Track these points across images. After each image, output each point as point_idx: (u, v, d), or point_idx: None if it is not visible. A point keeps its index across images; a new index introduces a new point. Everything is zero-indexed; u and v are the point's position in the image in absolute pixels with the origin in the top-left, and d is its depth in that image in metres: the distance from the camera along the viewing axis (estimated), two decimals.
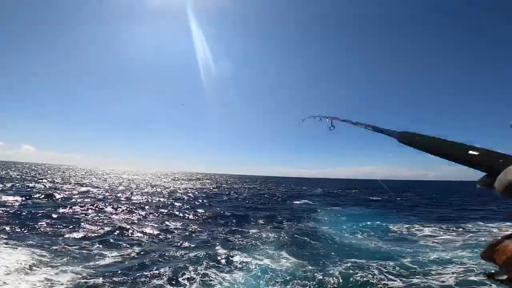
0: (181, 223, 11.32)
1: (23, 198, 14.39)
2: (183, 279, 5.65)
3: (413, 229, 11.62)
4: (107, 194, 20.10)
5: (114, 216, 11.75)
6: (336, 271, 6.29)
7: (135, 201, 16.92)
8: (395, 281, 5.88)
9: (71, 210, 12.21)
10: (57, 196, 16.25)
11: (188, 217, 12.78)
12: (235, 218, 12.98)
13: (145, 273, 5.85)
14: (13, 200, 13.57)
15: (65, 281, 5.19)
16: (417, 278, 6.01)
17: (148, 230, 9.56)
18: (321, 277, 5.97)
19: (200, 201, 19.66)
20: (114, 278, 5.47)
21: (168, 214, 13.09)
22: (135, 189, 26.72)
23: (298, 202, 22.70)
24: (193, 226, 10.82)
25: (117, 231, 9.12)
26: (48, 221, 9.91)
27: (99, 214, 11.85)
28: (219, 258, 7.02)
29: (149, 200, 17.97)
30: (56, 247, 7.07)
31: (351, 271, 6.29)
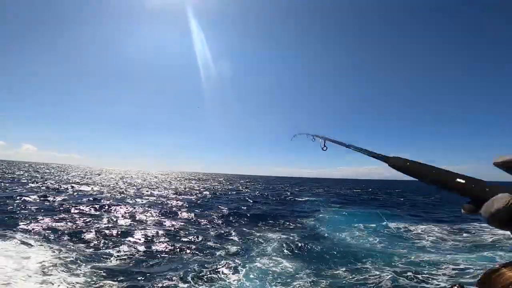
0: (184, 222, 11.46)
1: (32, 199, 14.53)
2: (188, 278, 5.80)
3: (413, 229, 11.76)
4: (109, 194, 20.26)
5: (118, 216, 11.90)
6: (336, 271, 6.44)
7: (138, 201, 17.07)
8: (395, 281, 6.02)
9: (75, 210, 12.34)
10: (61, 197, 16.40)
11: (191, 216, 12.93)
12: (236, 218, 13.14)
13: (151, 272, 6.02)
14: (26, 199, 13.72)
15: (75, 281, 5.35)
16: (417, 278, 6.15)
17: (152, 230, 9.71)
18: (321, 277, 6.12)
19: (202, 201, 19.81)
20: (121, 277, 5.63)
21: (171, 214, 13.23)
22: (139, 188, 26.89)
23: (299, 202, 22.86)
24: (196, 226, 10.98)
25: (122, 231, 9.26)
26: (55, 219, 10.06)
27: (103, 214, 11.99)
28: (221, 258, 7.19)
29: (152, 200, 18.13)
30: (64, 248, 7.22)
31: (351, 271, 6.43)
